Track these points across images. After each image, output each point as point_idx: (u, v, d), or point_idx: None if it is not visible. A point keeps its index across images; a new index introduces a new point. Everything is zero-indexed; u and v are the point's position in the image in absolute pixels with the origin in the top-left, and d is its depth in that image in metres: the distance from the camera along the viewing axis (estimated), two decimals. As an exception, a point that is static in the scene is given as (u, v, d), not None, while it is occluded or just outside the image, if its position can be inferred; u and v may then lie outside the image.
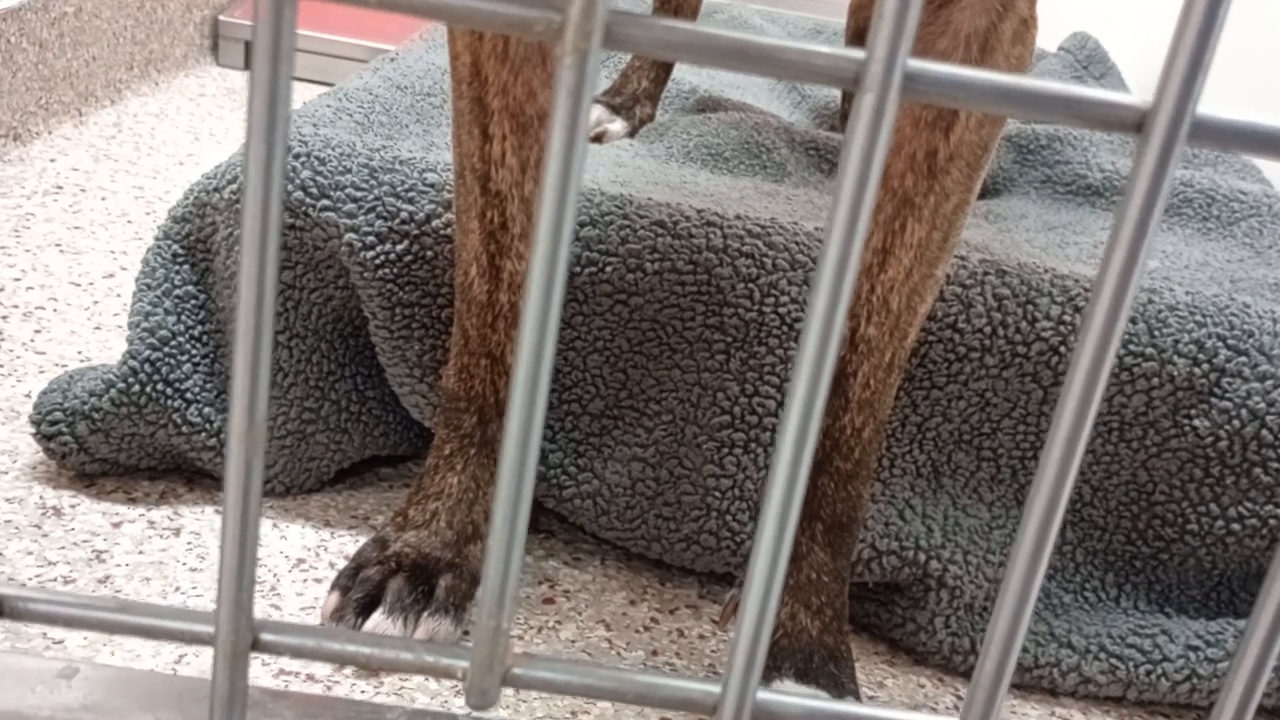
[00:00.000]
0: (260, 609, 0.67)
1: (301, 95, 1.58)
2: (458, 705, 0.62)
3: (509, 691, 0.62)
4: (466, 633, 0.65)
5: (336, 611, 0.63)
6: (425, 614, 0.64)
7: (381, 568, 0.65)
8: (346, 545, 0.73)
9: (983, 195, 1.13)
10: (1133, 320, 0.72)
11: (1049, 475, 0.25)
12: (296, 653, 0.27)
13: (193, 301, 0.76)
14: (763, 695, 0.27)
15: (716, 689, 0.27)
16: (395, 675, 0.63)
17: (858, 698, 0.62)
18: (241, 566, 0.25)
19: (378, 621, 0.63)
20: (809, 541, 0.64)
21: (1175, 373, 0.72)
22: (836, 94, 1.36)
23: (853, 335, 0.62)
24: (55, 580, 0.65)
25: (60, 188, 1.19)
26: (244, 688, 0.27)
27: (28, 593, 0.28)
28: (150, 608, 0.27)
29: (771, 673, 0.61)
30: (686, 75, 1.29)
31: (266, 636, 0.27)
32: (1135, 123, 0.22)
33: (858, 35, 1.31)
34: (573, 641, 0.68)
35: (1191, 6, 0.22)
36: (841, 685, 0.61)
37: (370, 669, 0.27)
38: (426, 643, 0.28)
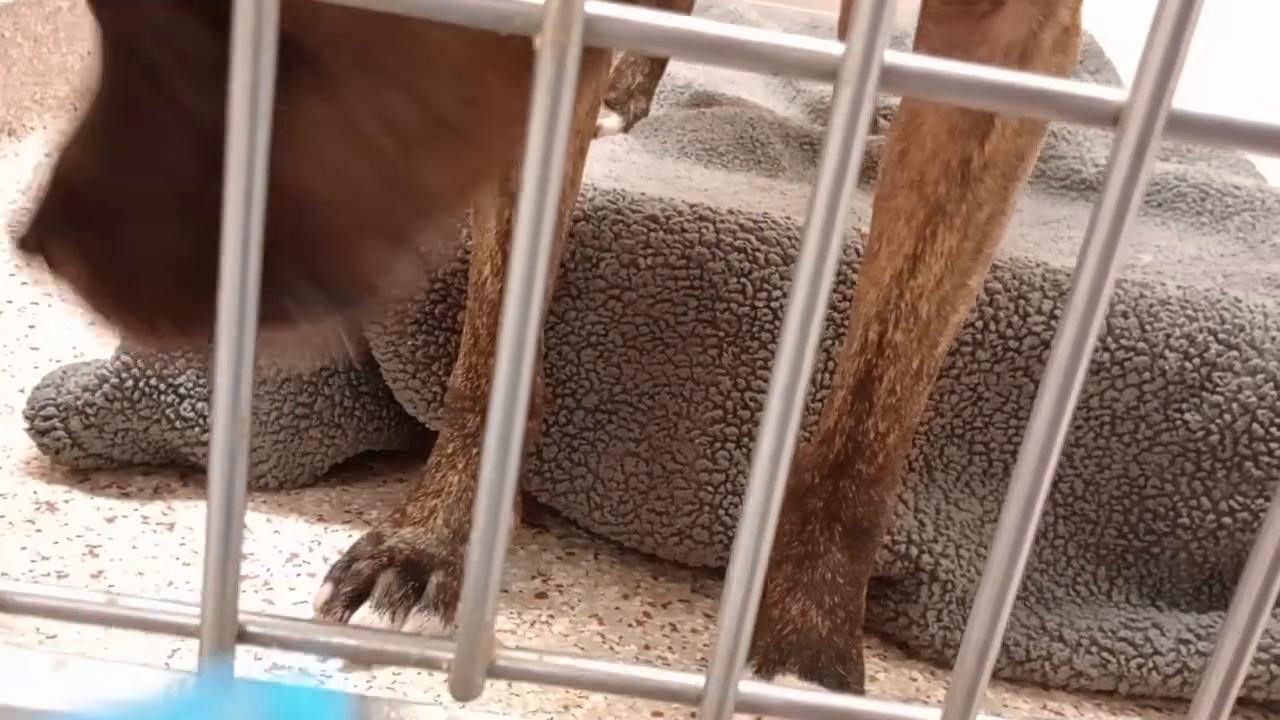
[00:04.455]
0: (253, 604, 0.67)
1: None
2: (449, 700, 0.62)
3: (501, 685, 0.63)
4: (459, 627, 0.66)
5: (327, 604, 0.64)
6: (414, 610, 0.64)
7: (373, 562, 0.65)
8: (340, 540, 0.73)
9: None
10: (1124, 314, 0.73)
11: (1028, 466, 0.25)
12: (282, 644, 0.27)
13: (186, 297, 0.76)
14: (745, 686, 0.27)
15: (700, 680, 0.27)
16: (388, 670, 0.63)
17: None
18: (226, 557, 0.25)
19: (365, 615, 0.63)
20: (827, 542, 0.63)
21: (1166, 367, 0.72)
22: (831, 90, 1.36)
23: (880, 340, 0.61)
24: (49, 575, 0.66)
25: (55, 183, 1.19)
26: (230, 681, 0.27)
27: (16, 586, 0.28)
28: (137, 600, 0.27)
29: (776, 666, 0.61)
30: (681, 70, 1.29)
31: (252, 628, 0.27)
32: (1111, 116, 0.23)
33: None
34: (565, 636, 0.69)
35: (1166, 1, 0.22)
36: (847, 686, 0.61)
37: (356, 661, 0.27)
38: (411, 635, 0.28)
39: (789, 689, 0.28)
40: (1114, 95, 0.23)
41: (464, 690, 0.27)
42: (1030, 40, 0.56)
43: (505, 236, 0.67)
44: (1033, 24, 0.56)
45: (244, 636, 0.27)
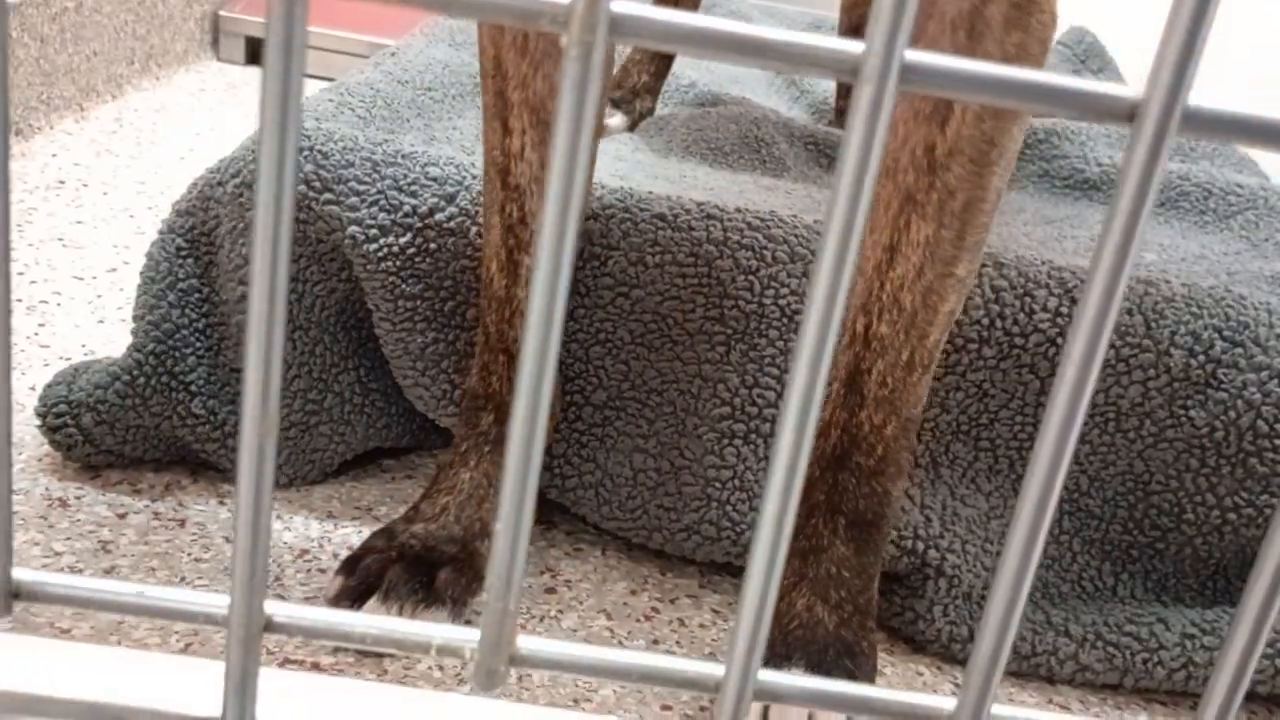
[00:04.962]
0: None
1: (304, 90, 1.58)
2: (463, 691, 0.62)
3: (512, 678, 0.63)
4: (469, 622, 0.66)
5: (336, 597, 0.64)
6: (422, 604, 0.64)
7: (382, 556, 0.65)
8: (350, 536, 0.74)
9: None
10: (1129, 312, 0.73)
11: (1042, 464, 0.26)
12: (309, 634, 0.28)
13: (196, 295, 0.76)
14: (764, 675, 0.28)
15: (719, 669, 0.28)
16: (399, 663, 0.63)
17: None
18: (255, 548, 0.26)
19: (372, 608, 0.63)
20: (831, 535, 0.63)
21: (1171, 364, 0.72)
22: (834, 88, 1.36)
23: (866, 333, 0.61)
24: (62, 571, 0.66)
25: (62, 182, 1.19)
26: (256, 670, 0.28)
27: (43, 576, 0.28)
28: (166, 591, 0.28)
29: (783, 662, 0.61)
30: (686, 69, 1.30)
31: (279, 618, 0.27)
32: (1127, 113, 0.23)
33: (851, 32, 1.31)
34: (574, 631, 0.69)
35: None
36: (855, 681, 0.60)
37: (380, 649, 0.28)
38: (436, 624, 0.28)
39: (806, 679, 0.28)
40: (1130, 92, 0.23)
41: (487, 680, 0.27)
42: (975, 14, 0.54)
43: (508, 231, 0.67)
44: None
45: (271, 626, 0.27)
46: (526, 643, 0.28)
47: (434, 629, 0.28)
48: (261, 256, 0.24)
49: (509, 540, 0.26)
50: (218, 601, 0.27)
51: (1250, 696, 0.72)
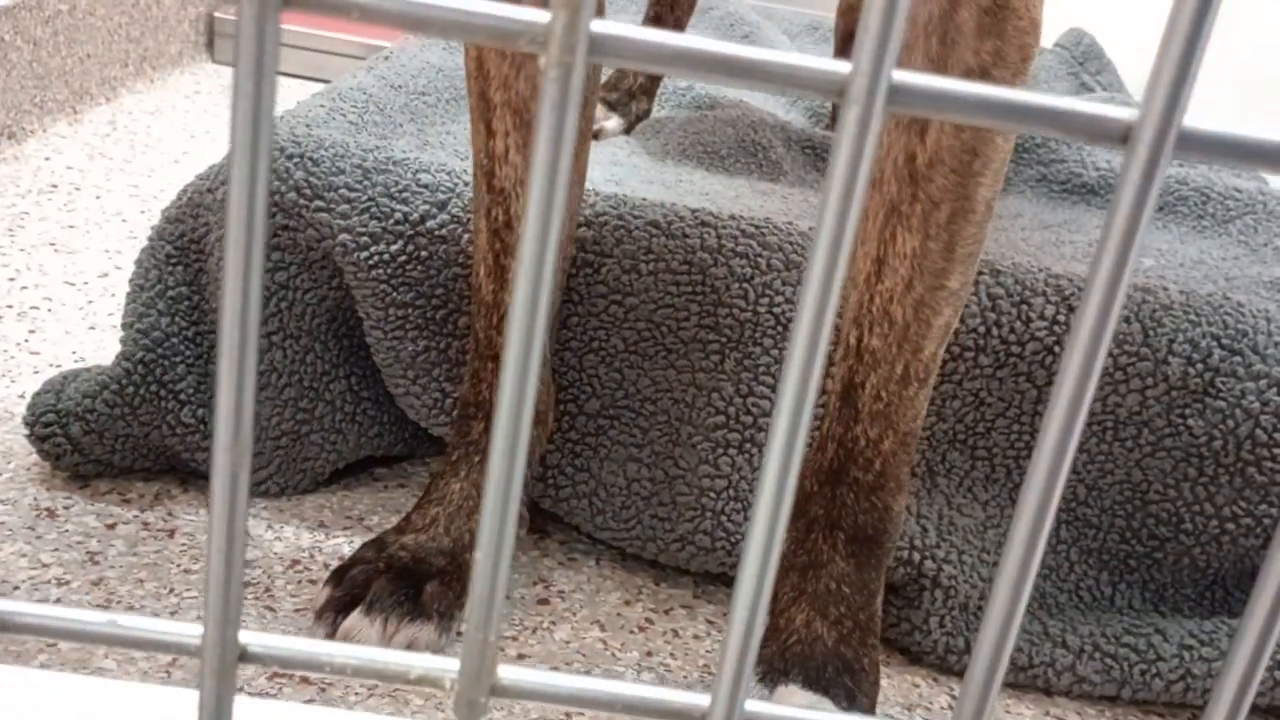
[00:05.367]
0: (254, 611, 0.67)
1: (296, 93, 1.58)
2: (450, 705, 0.62)
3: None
4: (460, 633, 0.65)
5: (321, 609, 0.63)
6: (407, 617, 0.63)
7: (368, 567, 0.65)
8: (341, 546, 0.73)
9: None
10: (1127, 320, 0.72)
11: (1040, 476, 0.25)
12: (285, 664, 0.27)
13: (186, 302, 0.76)
14: (752, 706, 0.27)
15: (705, 700, 0.27)
16: (389, 677, 0.63)
17: (871, 713, 0.60)
18: (228, 581, 0.25)
19: (355, 621, 0.62)
20: (830, 550, 0.62)
21: (1170, 372, 0.72)
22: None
23: (858, 345, 0.60)
24: (49, 582, 0.65)
25: (55, 186, 1.19)
26: (231, 700, 0.27)
27: (15, 606, 0.28)
28: (138, 620, 0.27)
29: (779, 676, 0.60)
30: (682, 72, 1.29)
31: (254, 648, 0.27)
32: (1121, 135, 0.22)
33: (848, 36, 1.30)
34: (567, 642, 0.68)
35: (1177, 18, 0.21)
36: (855, 698, 0.59)
37: (359, 678, 0.27)
38: (416, 654, 0.28)
39: (796, 709, 0.28)
40: (1124, 114, 0.22)
41: (469, 711, 0.26)
42: (945, 20, 0.53)
43: (494, 236, 0.66)
44: (943, 2, 0.52)
45: (245, 657, 0.27)
46: (508, 672, 0.27)
47: (413, 659, 0.28)
48: (233, 274, 0.24)
49: (488, 572, 0.25)
50: (191, 631, 0.27)
51: (1250, 709, 0.72)
